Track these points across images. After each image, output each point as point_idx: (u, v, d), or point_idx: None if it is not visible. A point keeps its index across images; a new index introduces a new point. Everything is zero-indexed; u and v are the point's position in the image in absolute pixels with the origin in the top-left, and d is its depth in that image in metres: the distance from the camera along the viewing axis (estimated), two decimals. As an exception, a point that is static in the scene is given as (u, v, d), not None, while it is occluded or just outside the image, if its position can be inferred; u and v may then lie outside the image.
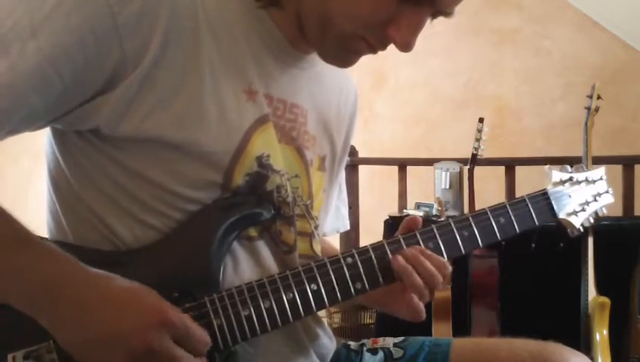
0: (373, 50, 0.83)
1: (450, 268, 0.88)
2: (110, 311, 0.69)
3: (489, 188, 2.73)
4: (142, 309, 0.70)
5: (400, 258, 0.86)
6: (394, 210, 2.76)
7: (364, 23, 0.79)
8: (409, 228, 0.90)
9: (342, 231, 1.12)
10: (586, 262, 2.17)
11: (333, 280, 0.83)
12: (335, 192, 1.07)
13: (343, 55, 0.85)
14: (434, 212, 2.60)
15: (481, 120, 2.40)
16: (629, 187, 2.61)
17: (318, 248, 0.95)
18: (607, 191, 1.06)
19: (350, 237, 2.77)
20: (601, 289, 2.15)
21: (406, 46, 0.79)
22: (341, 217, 1.12)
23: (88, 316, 0.69)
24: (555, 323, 2.15)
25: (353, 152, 2.86)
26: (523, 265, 2.34)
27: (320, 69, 0.95)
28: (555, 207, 0.99)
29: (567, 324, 2.17)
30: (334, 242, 0.90)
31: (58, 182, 0.84)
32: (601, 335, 2.07)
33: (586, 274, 2.16)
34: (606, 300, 2.10)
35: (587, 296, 2.15)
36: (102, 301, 0.70)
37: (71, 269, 0.71)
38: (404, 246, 0.88)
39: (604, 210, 1.06)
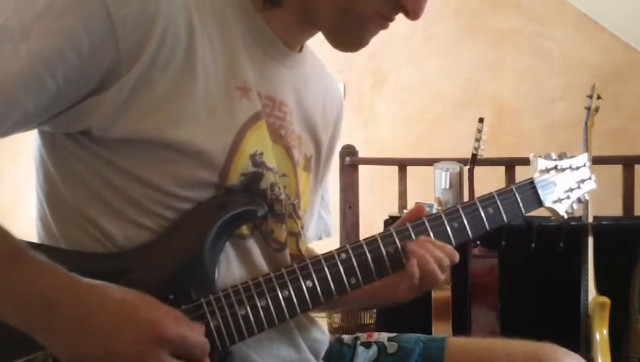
0: (386, 27, 0.86)
1: (457, 255, 0.91)
2: (107, 324, 0.69)
3: (489, 188, 2.68)
4: (138, 323, 0.69)
5: (413, 244, 0.88)
6: (394, 210, 2.76)
7: (384, 0, 0.82)
8: (417, 215, 0.93)
9: (324, 237, 1.11)
10: (586, 262, 2.17)
11: (328, 276, 0.83)
12: (319, 198, 1.06)
13: (359, 37, 0.86)
14: (434, 212, 2.59)
15: (481, 120, 2.40)
16: (629, 187, 2.60)
17: (304, 248, 0.94)
18: (589, 178, 1.07)
19: (350, 237, 2.77)
20: (601, 289, 2.15)
21: (417, 13, 0.83)
22: (323, 223, 1.11)
23: (85, 329, 0.68)
24: (555, 323, 2.15)
25: (353, 152, 2.86)
26: (523, 265, 2.33)
27: (306, 70, 0.96)
28: (541, 196, 1.01)
29: (567, 324, 2.17)
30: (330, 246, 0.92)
31: (47, 187, 0.83)
32: (601, 335, 2.07)
33: (586, 274, 2.16)
34: (606, 300, 2.09)
35: (587, 296, 2.15)
36: (98, 313, 0.69)
37: (65, 282, 0.70)
38: (397, 240, 0.88)
39: (587, 196, 1.07)
